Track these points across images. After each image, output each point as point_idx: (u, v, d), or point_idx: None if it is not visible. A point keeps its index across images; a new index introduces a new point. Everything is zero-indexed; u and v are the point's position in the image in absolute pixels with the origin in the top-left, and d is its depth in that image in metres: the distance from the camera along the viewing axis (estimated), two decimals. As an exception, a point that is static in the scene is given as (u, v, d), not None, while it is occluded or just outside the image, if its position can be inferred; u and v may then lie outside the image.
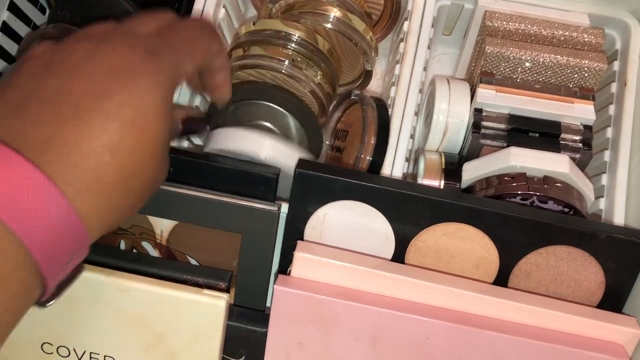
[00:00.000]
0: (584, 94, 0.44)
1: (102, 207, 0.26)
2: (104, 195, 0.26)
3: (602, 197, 0.45)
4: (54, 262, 0.25)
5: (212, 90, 0.36)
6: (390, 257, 0.40)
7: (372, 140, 0.44)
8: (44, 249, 0.24)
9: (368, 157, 0.43)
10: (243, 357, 0.40)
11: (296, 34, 0.44)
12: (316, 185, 0.39)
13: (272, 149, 0.41)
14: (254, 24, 0.46)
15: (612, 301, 0.40)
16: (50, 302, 0.28)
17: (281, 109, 0.45)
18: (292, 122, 0.45)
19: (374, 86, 0.55)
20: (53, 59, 0.28)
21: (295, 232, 0.40)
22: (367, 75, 0.50)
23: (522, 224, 0.39)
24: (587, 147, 0.43)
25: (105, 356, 0.39)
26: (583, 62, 0.44)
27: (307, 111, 0.45)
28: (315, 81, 0.45)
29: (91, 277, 0.37)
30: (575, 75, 0.45)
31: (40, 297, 0.26)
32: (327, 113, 0.48)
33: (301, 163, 0.40)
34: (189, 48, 0.31)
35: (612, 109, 0.46)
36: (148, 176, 0.28)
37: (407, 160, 0.45)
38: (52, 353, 0.39)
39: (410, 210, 0.39)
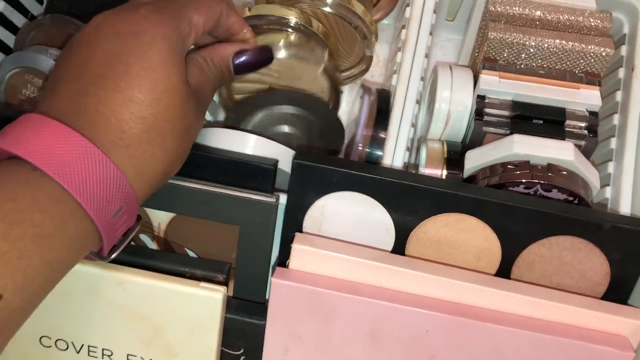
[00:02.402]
0: (590, 79, 0.43)
1: (135, 157, 0.30)
2: (133, 146, 0.30)
3: (608, 185, 0.44)
4: (102, 212, 0.29)
5: (233, 36, 0.38)
6: (390, 248, 0.40)
7: (370, 133, 0.43)
8: (89, 196, 0.28)
9: (366, 149, 0.43)
10: (242, 350, 0.40)
11: (292, 18, 0.43)
12: (314, 176, 0.38)
13: (258, 148, 0.41)
14: (249, 9, 0.45)
15: (618, 292, 0.39)
16: (113, 255, 0.32)
17: (301, 111, 0.44)
18: (313, 120, 0.44)
19: (377, 74, 0.54)
20: (75, 39, 0.32)
21: (294, 224, 0.40)
22: (367, 61, 0.49)
23: (524, 214, 0.38)
24: (592, 133, 0.42)
25: (103, 349, 0.39)
26: (589, 47, 0.43)
27: (324, 109, 0.44)
28: (324, 59, 0.44)
29: (88, 270, 0.36)
30: (581, 61, 0.44)
31: (101, 251, 0.31)
32: (339, 93, 0.47)
33: (299, 154, 0.39)
34: (193, 2, 0.34)
35: (619, 95, 0.45)
36: (173, 123, 0.31)
37: (409, 149, 0.44)
38: (50, 346, 0.39)
39: (410, 201, 0.38)
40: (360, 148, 0.43)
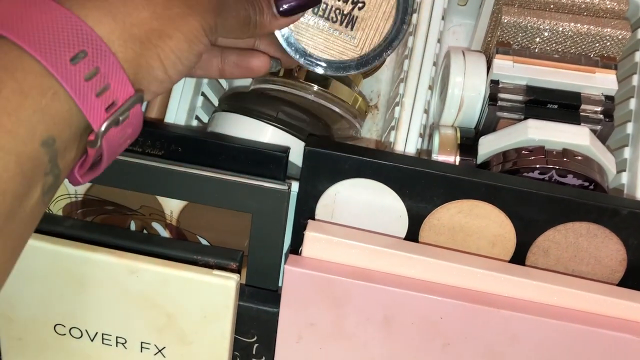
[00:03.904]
0: (606, 63, 0.42)
1: (110, 11, 0.25)
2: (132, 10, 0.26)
3: (625, 171, 0.43)
4: (53, 56, 0.24)
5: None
6: (403, 235, 0.40)
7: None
8: (34, 40, 0.24)
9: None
10: (255, 337, 0.40)
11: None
12: (327, 163, 0.38)
13: (274, 137, 0.40)
14: None
15: (635, 279, 0.39)
16: (102, 128, 0.25)
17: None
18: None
19: (388, 60, 0.53)
20: None
21: (306, 211, 0.39)
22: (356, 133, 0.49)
23: (539, 200, 0.37)
24: (608, 118, 0.41)
25: (117, 337, 0.39)
26: (605, 30, 0.42)
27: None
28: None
29: (101, 258, 0.36)
30: (597, 44, 0.43)
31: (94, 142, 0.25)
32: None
33: (311, 141, 0.39)
34: None
35: (635, 79, 0.44)
36: None
37: (421, 136, 0.44)
38: (64, 334, 0.39)
39: (423, 188, 0.38)
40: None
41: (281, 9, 0.33)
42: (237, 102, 0.43)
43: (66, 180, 0.29)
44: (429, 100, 0.45)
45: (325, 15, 0.38)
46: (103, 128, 0.25)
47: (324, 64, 0.38)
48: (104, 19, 0.25)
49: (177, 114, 0.43)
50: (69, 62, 0.24)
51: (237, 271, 0.38)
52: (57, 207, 0.40)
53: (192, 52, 0.28)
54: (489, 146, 0.42)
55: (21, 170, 0.23)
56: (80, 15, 0.25)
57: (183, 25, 0.27)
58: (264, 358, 0.41)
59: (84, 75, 0.24)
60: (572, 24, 0.42)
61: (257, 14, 0.33)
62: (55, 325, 0.39)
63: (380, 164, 0.38)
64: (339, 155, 0.38)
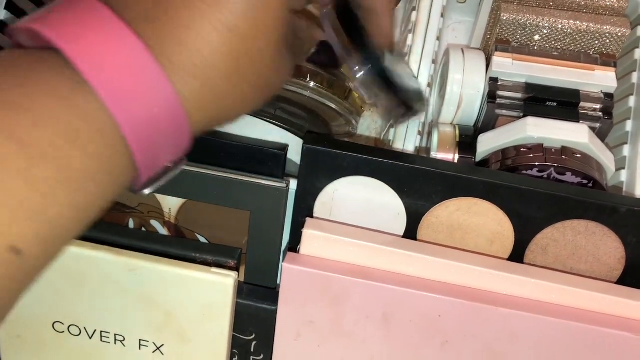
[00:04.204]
0: (605, 60, 0.42)
1: (205, 97, 0.24)
2: (209, 82, 0.24)
3: (624, 168, 0.43)
4: (150, 163, 0.23)
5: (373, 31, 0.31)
6: (401, 233, 0.39)
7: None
8: (139, 134, 0.22)
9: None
10: (253, 335, 0.40)
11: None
12: (325, 161, 0.38)
13: (272, 135, 0.40)
14: None
15: (633, 277, 0.39)
16: (146, 190, 0.25)
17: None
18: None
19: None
20: None
21: (304, 209, 0.39)
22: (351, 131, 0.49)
23: (538, 197, 0.37)
24: (607, 116, 0.41)
25: (115, 335, 0.39)
26: (604, 27, 0.42)
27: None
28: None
29: (99, 256, 0.36)
30: (596, 42, 0.43)
31: (135, 184, 0.24)
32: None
33: (309, 138, 0.39)
34: None
35: (635, 77, 0.44)
36: (259, 70, 0.25)
37: (420, 133, 0.44)
38: (63, 332, 0.39)
39: (421, 186, 0.38)
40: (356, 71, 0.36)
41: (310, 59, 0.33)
42: None
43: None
44: (427, 97, 0.45)
45: None
46: (147, 192, 0.25)
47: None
48: (193, 98, 0.24)
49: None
50: (159, 156, 0.23)
51: (236, 269, 0.38)
52: (55, 205, 0.40)
53: None
54: (487, 144, 0.42)
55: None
56: (179, 91, 0.23)
57: (252, 108, 0.28)
58: (262, 356, 0.41)
59: (161, 155, 0.24)
60: (572, 22, 0.42)
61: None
62: (54, 323, 0.39)
63: (379, 162, 0.38)
64: (337, 153, 0.38)
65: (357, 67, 0.32)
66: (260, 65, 0.25)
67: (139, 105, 0.22)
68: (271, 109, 0.41)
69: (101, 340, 0.39)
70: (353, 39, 0.31)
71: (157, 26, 0.23)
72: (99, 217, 0.23)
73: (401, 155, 0.40)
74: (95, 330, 0.39)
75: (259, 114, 0.41)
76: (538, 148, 0.40)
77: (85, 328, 0.39)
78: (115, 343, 0.39)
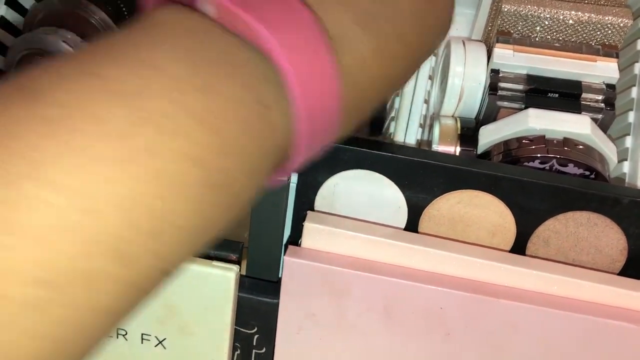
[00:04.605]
0: (607, 51, 0.42)
1: (352, 101, 0.23)
2: (359, 89, 0.23)
3: (626, 160, 0.43)
4: (308, 143, 0.23)
5: None
6: (403, 226, 0.39)
7: None
8: (308, 126, 0.22)
9: None
10: (255, 329, 0.40)
11: None
12: (325, 155, 0.38)
13: None
14: None
15: (635, 268, 0.39)
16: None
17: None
18: None
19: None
20: None
21: (305, 203, 0.39)
22: None
23: (539, 189, 0.37)
24: (609, 106, 0.41)
25: (117, 328, 0.39)
26: (606, 18, 0.42)
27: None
28: None
29: (101, 251, 0.36)
30: (598, 33, 0.43)
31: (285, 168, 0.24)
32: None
33: (310, 131, 0.39)
34: None
35: (637, 68, 0.44)
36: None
37: (422, 126, 0.44)
38: (66, 326, 0.39)
39: (422, 178, 0.38)
40: None
41: None
42: None
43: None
44: (429, 90, 0.45)
45: None
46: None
47: None
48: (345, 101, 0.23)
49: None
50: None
51: (237, 263, 0.38)
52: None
53: None
54: (489, 136, 0.42)
55: None
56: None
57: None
58: (264, 349, 0.41)
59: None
60: (573, 12, 0.42)
61: None
62: (57, 317, 0.39)
63: (379, 155, 0.38)
64: (337, 147, 0.38)
65: None
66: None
67: (316, 103, 0.22)
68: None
69: (104, 334, 0.39)
70: None
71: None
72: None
73: (401, 148, 0.40)
74: (98, 325, 0.39)
75: None
76: (540, 140, 0.40)
77: (87, 322, 0.39)
78: (117, 337, 0.39)
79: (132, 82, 0.18)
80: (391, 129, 0.44)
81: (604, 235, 0.38)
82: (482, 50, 0.45)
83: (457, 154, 0.43)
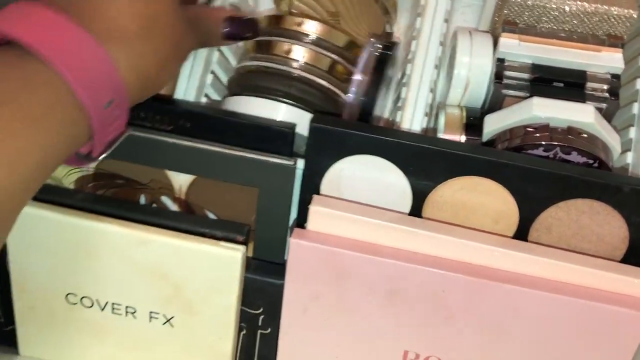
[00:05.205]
0: (613, 42, 0.42)
1: (128, 54, 0.30)
2: (127, 41, 0.30)
3: (630, 151, 0.43)
4: (94, 100, 0.28)
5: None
6: (407, 211, 0.40)
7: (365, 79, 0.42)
8: (82, 82, 0.28)
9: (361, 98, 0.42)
10: (261, 309, 0.41)
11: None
12: (332, 140, 0.39)
13: (288, 114, 0.41)
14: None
15: (637, 256, 0.39)
16: (101, 156, 0.32)
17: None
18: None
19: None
20: None
21: (311, 188, 0.40)
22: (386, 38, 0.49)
23: (542, 176, 0.38)
24: (613, 96, 0.41)
25: (126, 307, 0.40)
26: (612, 9, 0.42)
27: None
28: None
29: (110, 229, 0.37)
30: (604, 24, 0.43)
31: (91, 152, 0.31)
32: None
33: (316, 117, 0.39)
34: None
35: (642, 59, 0.44)
36: (168, 31, 0.32)
37: (427, 115, 0.44)
38: (76, 303, 0.40)
39: (427, 164, 0.38)
40: (352, 95, 0.43)
41: (226, 35, 0.38)
42: (247, 82, 0.44)
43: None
44: (435, 79, 0.45)
45: None
46: (100, 158, 0.32)
47: None
48: (121, 59, 0.30)
49: (186, 91, 0.44)
50: (103, 107, 0.29)
51: (244, 244, 0.38)
52: (68, 181, 0.42)
53: (169, 81, 0.38)
54: (494, 124, 0.42)
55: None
56: (108, 52, 0.29)
57: (172, 69, 0.35)
58: (269, 329, 0.41)
59: (108, 117, 0.30)
60: (579, 3, 0.43)
61: (212, 41, 0.39)
62: (67, 295, 0.40)
63: (385, 141, 0.38)
64: (343, 132, 0.38)
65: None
66: (164, 26, 0.32)
67: (77, 65, 0.28)
68: (285, 87, 0.42)
69: (113, 312, 0.40)
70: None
71: (80, 8, 0.30)
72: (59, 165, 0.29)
73: (407, 134, 0.41)
74: (107, 302, 0.40)
75: (272, 92, 0.42)
76: (544, 128, 0.40)
77: (97, 300, 0.40)
78: (126, 315, 0.40)
79: None
80: (397, 118, 0.44)
81: (605, 223, 0.39)
82: (488, 41, 0.45)
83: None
